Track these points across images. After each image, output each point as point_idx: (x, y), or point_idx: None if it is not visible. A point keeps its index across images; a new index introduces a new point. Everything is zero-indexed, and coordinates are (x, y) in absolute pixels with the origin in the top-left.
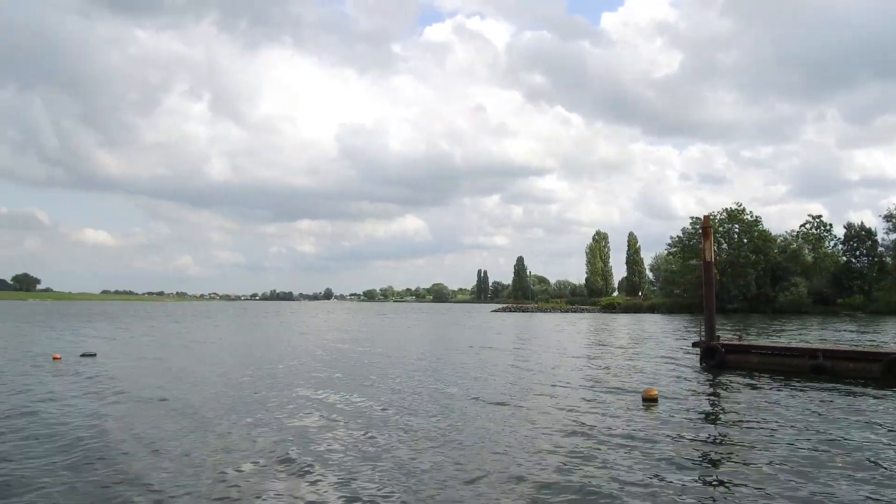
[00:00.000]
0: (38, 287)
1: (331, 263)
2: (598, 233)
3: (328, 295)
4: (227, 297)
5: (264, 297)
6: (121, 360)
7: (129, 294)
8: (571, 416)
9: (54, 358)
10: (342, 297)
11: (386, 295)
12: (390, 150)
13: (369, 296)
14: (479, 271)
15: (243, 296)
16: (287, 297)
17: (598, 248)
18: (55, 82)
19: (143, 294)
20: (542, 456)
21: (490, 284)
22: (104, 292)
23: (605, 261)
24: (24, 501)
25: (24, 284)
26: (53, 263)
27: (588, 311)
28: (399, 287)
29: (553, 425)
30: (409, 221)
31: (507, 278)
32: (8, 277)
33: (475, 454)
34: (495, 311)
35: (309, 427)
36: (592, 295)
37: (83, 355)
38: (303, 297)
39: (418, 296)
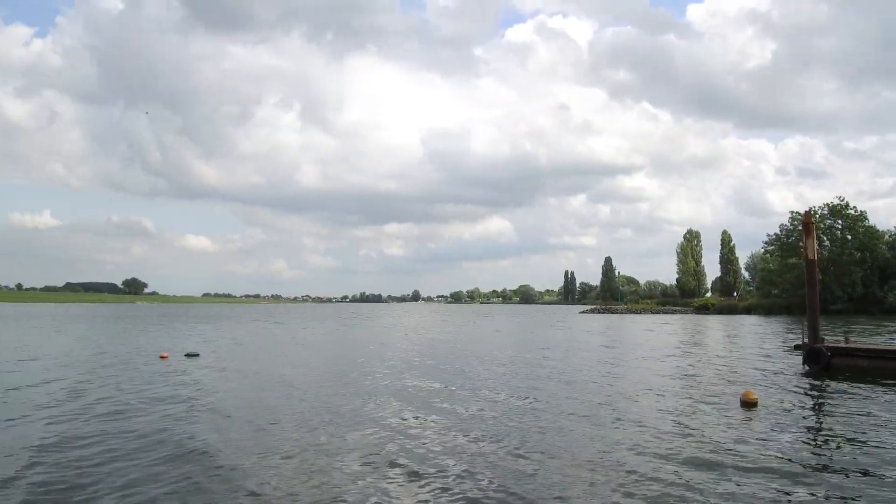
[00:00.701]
0: (146, 290)
1: (418, 265)
2: (689, 231)
3: (416, 297)
4: (318, 300)
5: (354, 300)
6: (222, 360)
7: (227, 297)
8: (669, 419)
9: (161, 357)
10: (429, 299)
11: (472, 296)
12: (474, 152)
13: (456, 297)
14: (566, 272)
15: (334, 298)
16: (376, 299)
17: (689, 247)
18: (158, 99)
19: (241, 297)
20: (643, 461)
21: (577, 285)
22: (205, 295)
23: (698, 260)
24: (135, 493)
25: (133, 288)
26: (159, 268)
27: (680, 312)
28: (485, 288)
29: (650, 428)
30: (494, 223)
31: (594, 279)
32: (119, 281)
33: (576, 458)
34: (583, 312)
35: (409, 428)
36: (684, 296)
37: (187, 355)
38: (391, 298)
39: (504, 297)
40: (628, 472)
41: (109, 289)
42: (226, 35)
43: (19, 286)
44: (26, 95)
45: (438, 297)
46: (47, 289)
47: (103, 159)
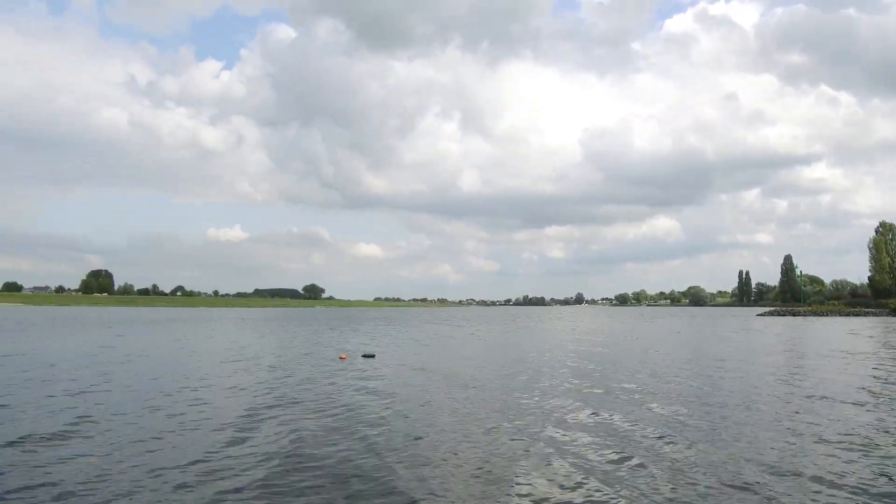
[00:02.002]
0: (323, 296)
1: (580, 267)
2: (882, 224)
3: (579, 299)
4: (483, 303)
5: (517, 302)
6: (397, 360)
7: (396, 300)
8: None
9: (340, 357)
10: (593, 302)
11: (638, 298)
12: (636, 149)
13: (621, 300)
14: (741, 272)
15: (497, 301)
16: (539, 301)
17: (883, 241)
18: (329, 116)
19: (409, 300)
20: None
21: (753, 286)
22: (376, 299)
23: (894, 256)
24: (321, 484)
25: (313, 293)
26: (335, 275)
27: (874, 314)
28: (652, 290)
29: (848, 448)
30: (659, 222)
31: (772, 279)
32: (300, 287)
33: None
34: (761, 314)
35: (581, 432)
36: (878, 296)
37: (364, 356)
38: (554, 301)
39: (673, 299)
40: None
41: (292, 294)
42: (388, 52)
43: (216, 293)
44: (218, 123)
45: (603, 299)
46: (239, 295)
47: (283, 176)
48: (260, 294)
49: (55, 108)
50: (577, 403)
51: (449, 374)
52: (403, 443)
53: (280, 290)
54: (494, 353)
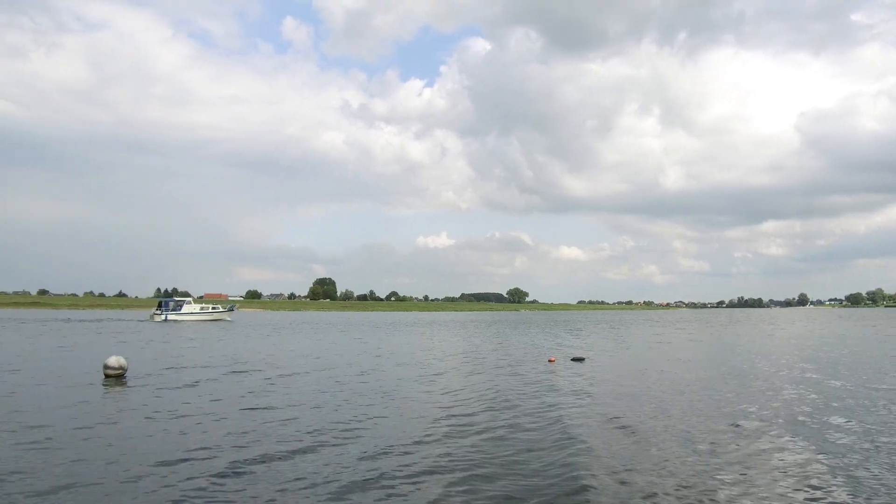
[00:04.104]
0: (527, 299)
1: (803, 265)
2: None
3: (802, 300)
4: (692, 305)
5: (731, 304)
6: (607, 365)
7: (601, 303)
8: None
9: (550, 360)
10: (819, 303)
11: (874, 299)
12: (864, 131)
13: (853, 300)
14: None
15: (709, 303)
16: (756, 303)
17: None
18: (527, 123)
19: (614, 303)
20: None
21: None
22: (580, 302)
23: None
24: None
25: (516, 297)
26: (537, 278)
27: None
28: (891, 289)
29: None
30: None
31: None
32: (504, 291)
33: None
34: None
35: (805, 443)
36: None
37: (573, 359)
38: (773, 303)
39: None
40: None
41: (497, 298)
42: (581, 54)
43: (426, 297)
44: (422, 137)
45: (830, 300)
46: (447, 299)
47: (484, 183)
48: (466, 298)
49: (284, 136)
50: (833, 419)
51: (667, 379)
52: (625, 450)
53: (485, 293)
54: (715, 358)
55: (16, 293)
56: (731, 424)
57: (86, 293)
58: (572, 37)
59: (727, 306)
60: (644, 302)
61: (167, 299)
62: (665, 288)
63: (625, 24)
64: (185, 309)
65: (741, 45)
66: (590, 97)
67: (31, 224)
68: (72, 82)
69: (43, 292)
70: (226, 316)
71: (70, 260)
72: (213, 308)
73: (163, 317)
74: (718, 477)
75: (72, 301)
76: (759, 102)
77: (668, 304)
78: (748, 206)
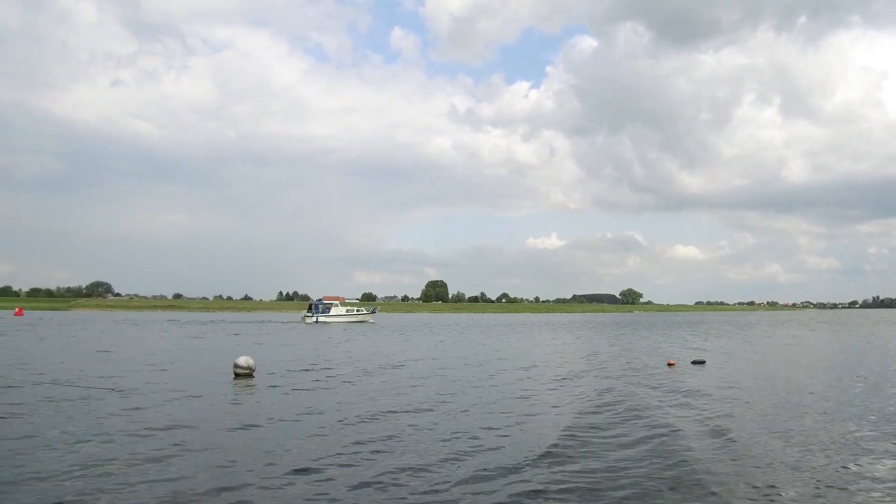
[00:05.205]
0: (641, 300)
1: None
2: None
3: None
4: (821, 305)
5: (865, 305)
6: (729, 369)
7: (720, 304)
8: None
9: (669, 364)
10: None
11: None
12: None
13: None
14: None
15: (840, 303)
16: (893, 303)
17: None
18: (637, 120)
19: (734, 304)
20: None
21: None
22: (697, 303)
23: None
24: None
25: (630, 298)
26: (652, 278)
27: None
28: None
29: None
30: None
31: None
32: (616, 292)
33: None
34: None
35: None
36: None
37: (693, 363)
38: None
39: None
40: None
41: (609, 299)
42: (693, 46)
43: (536, 299)
44: (530, 139)
45: None
46: (558, 300)
47: (594, 182)
48: (577, 299)
49: (395, 143)
50: None
51: (798, 386)
52: (719, 458)
53: (597, 295)
54: (853, 363)
55: (154, 297)
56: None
57: (215, 296)
58: (682, 28)
59: (861, 306)
60: (767, 302)
61: (317, 302)
62: (790, 287)
63: (739, 11)
64: (333, 311)
65: (869, 25)
66: (703, 90)
67: (167, 234)
68: (200, 101)
69: (177, 296)
70: (369, 318)
71: (201, 266)
72: (358, 311)
73: (313, 318)
74: None
75: (203, 304)
76: (893, 86)
77: (793, 305)
78: (883, 198)
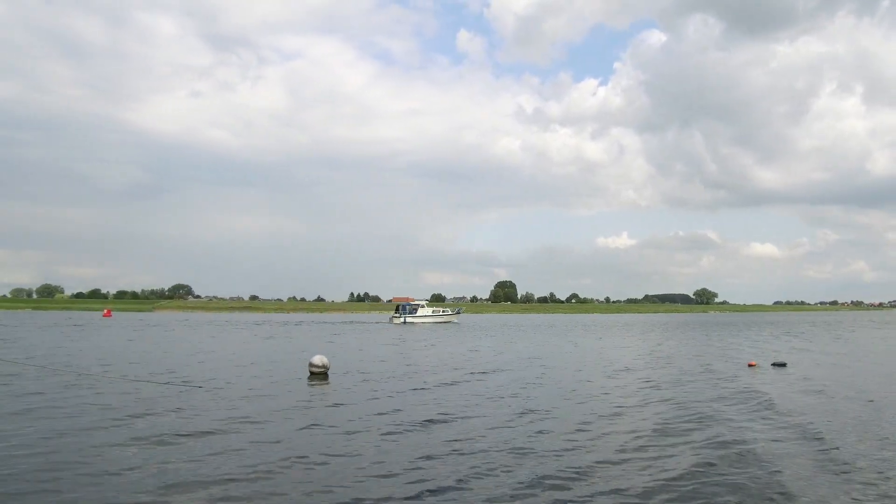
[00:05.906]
0: (716, 300)
1: None
2: None
3: None
4: None
5: None
6: (812, 372)
7: (800, 304)
8: None
9: (749, 365)
10: None
11: None
12: None
13: None
14: None
15: None
16: None
17: None
18: (709, 114)
19: (815, 304)
20: None
21: None
22: (776, 303)
23: None
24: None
25: (704, 298)
26: (727, 277)
27: None
28: None
29: None
30: None
31: None
32: (689, 292)
33: None
34: None
35: None
36: None
37: (774, 364)
38: None
39: None
40: None
41: (682, 299)
42: (766, 35)
43: (607, 299)
44: (598, 137)
45: None
46: (629, 301)
47: (665, 179)
48: (650, 299)
49: (463, 144)
50: None
51: (859, 388)
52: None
53: (670, 295)
54: None
55: (231, 298)
56: None
57: (289, 298)
58: (755, 18)
59: None
60: (851, 302)
61: (405, 304)
62: (877, 286)
63: None
64: (420, 312)
65: None
66: (779, 81)
67: (243, 237)
68: (273, 109)
69: (254, 297)
70: (454, 318)
71: (275, 268)
72: (444, 311)
73: (401, 319)
74: None
75: (278, 305)
76: None
77: (881, 304)
78: None
